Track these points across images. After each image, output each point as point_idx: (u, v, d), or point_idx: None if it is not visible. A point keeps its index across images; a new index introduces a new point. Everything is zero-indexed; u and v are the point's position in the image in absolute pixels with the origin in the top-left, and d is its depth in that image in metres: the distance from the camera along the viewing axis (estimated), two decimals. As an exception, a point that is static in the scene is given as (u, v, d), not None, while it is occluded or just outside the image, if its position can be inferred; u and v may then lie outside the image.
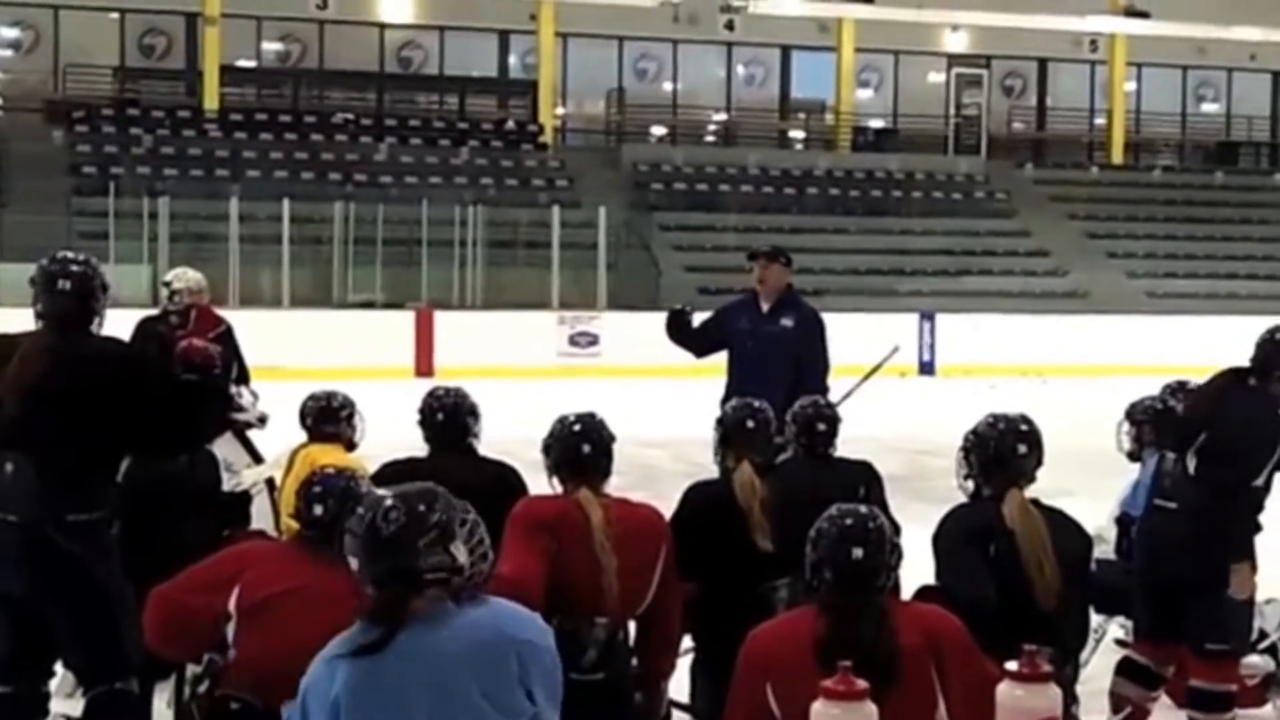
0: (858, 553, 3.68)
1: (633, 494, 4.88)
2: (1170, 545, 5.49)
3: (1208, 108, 35.36)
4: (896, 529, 3.94)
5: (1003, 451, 4.59)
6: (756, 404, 5.47)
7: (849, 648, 3.38)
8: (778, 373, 7.70)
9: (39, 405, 4.72)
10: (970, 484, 4.67)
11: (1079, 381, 19.96)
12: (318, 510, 4.28)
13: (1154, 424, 6.34)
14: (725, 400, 6.19)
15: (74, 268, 4.96)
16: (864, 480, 5.56)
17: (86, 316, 4.91)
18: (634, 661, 4.79)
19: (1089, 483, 7.42)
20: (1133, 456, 6.61)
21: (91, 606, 4.75)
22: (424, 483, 3.30)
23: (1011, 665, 3.24)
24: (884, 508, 4.96)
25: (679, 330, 8.58)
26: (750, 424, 5.35)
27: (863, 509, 3.85)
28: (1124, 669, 5.70)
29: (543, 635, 3.25)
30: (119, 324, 5.19)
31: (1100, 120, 33.70)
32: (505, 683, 3.15)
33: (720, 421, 5.45)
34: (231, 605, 4.13)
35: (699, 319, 8.68)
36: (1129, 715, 5.60)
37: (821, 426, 5.66)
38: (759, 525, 5.03)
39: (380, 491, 3.29)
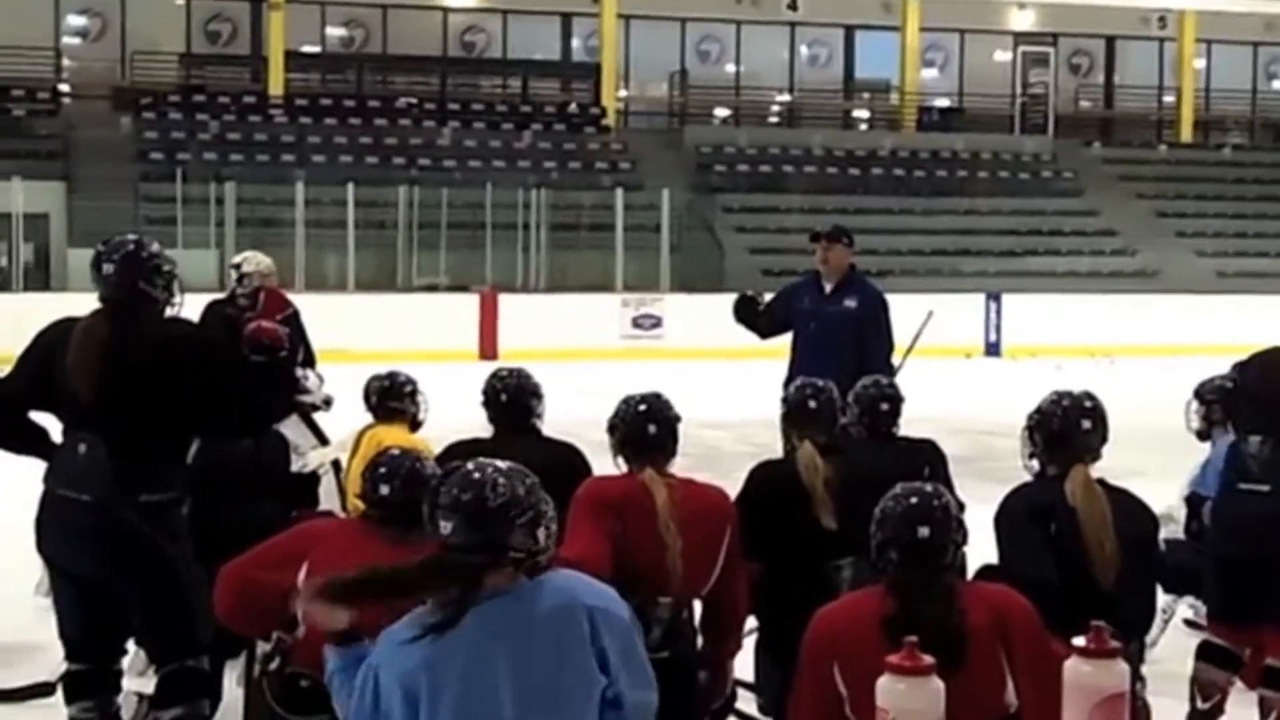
0: (924, 531, 3.67)
1: (696, 475, 4.88)
2: (1261, 524, 5.40)
3: (1278, 84, 34.89)
4: (961, 507, 3.92)
5: (1066, 427, 4.56)
6: (820, 384, 5.47)
7: (916, 626, 3.37)
8: (841, 353, 7.68)
9: (105, 391, 4.76)
10: (1035, 463, 4.65)
11: (1147, 362, 19.78)
12: (384, 490, 4.32)
13: (1224, 403, 6.28)
14: (788, 381, 6.18)
15: (120, 250, 4.96)
16: (929, 460, 5.54)
17: (141, 298, 4.91)
18: (699, 641, 4.80)
19: (1158, 462, 7.36)
20: (1202, 436, 6.55)
21: (163, 586, 4.80)
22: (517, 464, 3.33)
23: (1079, 641, 3.22)
24: (949, 487, 4.94)
25: (746, 314, 8.59)
26: (812, 404, 5.35)
27: (928, 487, 3.84)
28: (1204, 653, 5.61)
29: (616, 604, 3.28)
30: (187, 308, 5.22)
31: (1169, 98, 33.32)
32: (578, 643, 3.18)
33: (784, 402, 5.46)
34: (301, 581, 4.17)
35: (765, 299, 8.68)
36: (1216, 701, 5.53)
37: (885, 406, 5.67)
38: (823, 504, 5.03)
39: (486, 462, 3.31)
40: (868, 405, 5.67)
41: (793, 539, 5.01)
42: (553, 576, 3.24)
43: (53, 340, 4.91)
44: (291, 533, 4.41)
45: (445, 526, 3.21)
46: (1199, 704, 5.52)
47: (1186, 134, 32.65)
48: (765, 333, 8.64)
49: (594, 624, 3.19)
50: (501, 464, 3.29)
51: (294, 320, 9.01)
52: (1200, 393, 6.55)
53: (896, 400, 5.73)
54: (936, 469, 5.48)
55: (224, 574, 4.36)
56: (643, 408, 4.78)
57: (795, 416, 5.35)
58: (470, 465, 3.29)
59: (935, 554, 3.68)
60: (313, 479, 6.25)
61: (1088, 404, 4.62)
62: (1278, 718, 5.45)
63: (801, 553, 5.00)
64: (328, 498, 6.38)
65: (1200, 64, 33.32)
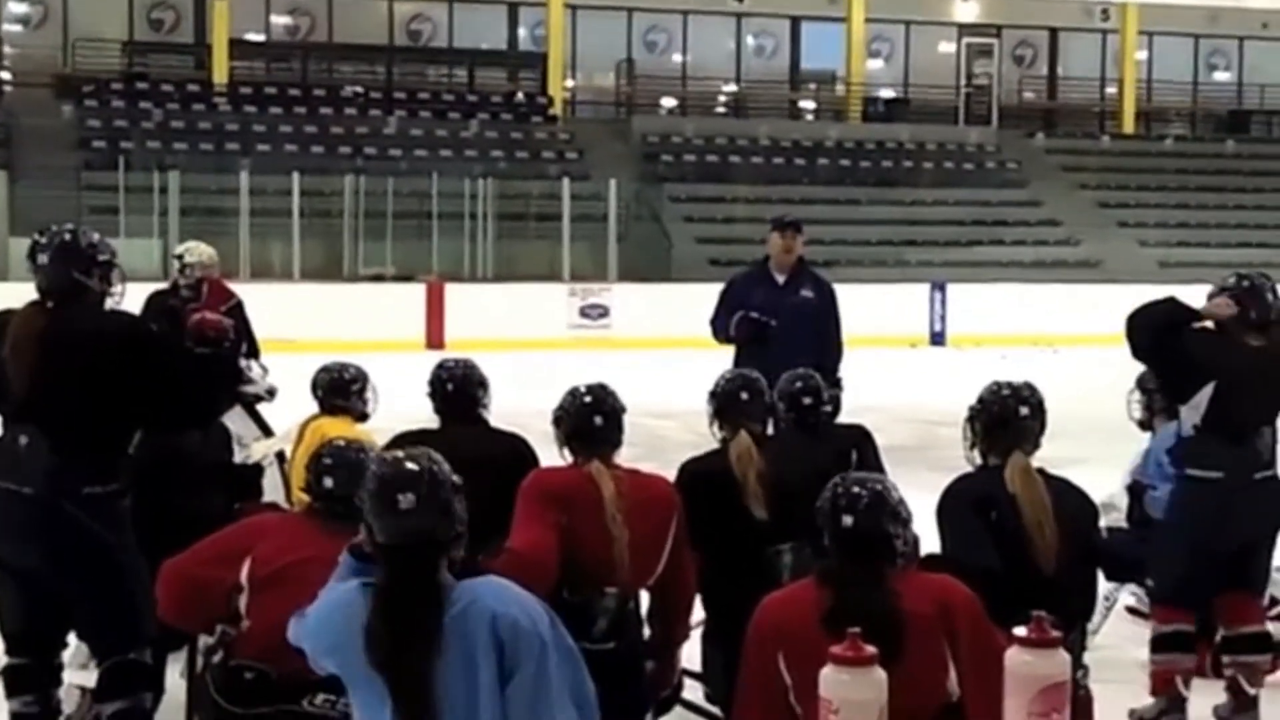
0: (847, 520, 3.70)
1: (643, 465, 4.89)
2: (1250, 509, 5.53)
3: (1219, 76, 35.20)
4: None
5: (1005, 414, 4.62)
6: (750, 374, 5.52)
7: (851, 615, 3.39)
8: (803, 344, 7.57)
9: (41, 381, 4.72)
10: (976, 454, 4.70)
11: (1090, 351, 19.90)
12: (328, 483, 4.30)
13: (1164, 393, 6.33)
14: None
15: (56, 240, 4.89)
16: (854, 443, 5.60)
17: (77, 289, 4.84)
18: (645, 631, 4.81)
19: (1100, 451, 7.42)
20: (1144, 425, 6.61)
21: (105, 579, 4.77)
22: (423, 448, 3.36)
23: (1020, 631, 3.25)
24: (878, 469, 5.03)
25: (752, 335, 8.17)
26: (745, 394, 5.37)
27: (862, 477, 3.87)
28: (1165, 644, 5.66)
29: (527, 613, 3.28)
30: (129, 298, 5.16)
31: (1111, 89, 33.55)
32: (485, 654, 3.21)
33: (714, 394, 5.46)
34: (244, 577, 4.16)
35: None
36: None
37: (808, 400, 5.69)
38: (754, 494, 5.06)
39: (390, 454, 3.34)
40: (791, 400, 5.71)
41: (728, 530, 5.03)
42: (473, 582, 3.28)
43: (-10, 332, 4.86)
44: (234, 528, 4.39)
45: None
46: (1159, 694, 5.59)
47: (1129, 125, 32.88)
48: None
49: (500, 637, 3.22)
50: (406, 452, 3.37)
51: (238, 311, 8.94)
52: (1142, 382, 6.60)
53: (819, 391, 5.76)
54: (864, 450, 5.55)
55: (165, 571, 4.34)
56: (588, 399, 4.78)
57: (727, 408, 5.35)
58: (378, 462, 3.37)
59: (867, 543, 3.69)
60: (256, 471, 6.22)
61: (1026, 393, 4.69)
62: (1257, 676, 5.56)
63: (739, 543, 5.02)
64: (272, 490, 6.35)
65: (1142, 56, 33.57)
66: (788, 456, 5.16)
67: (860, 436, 5.72)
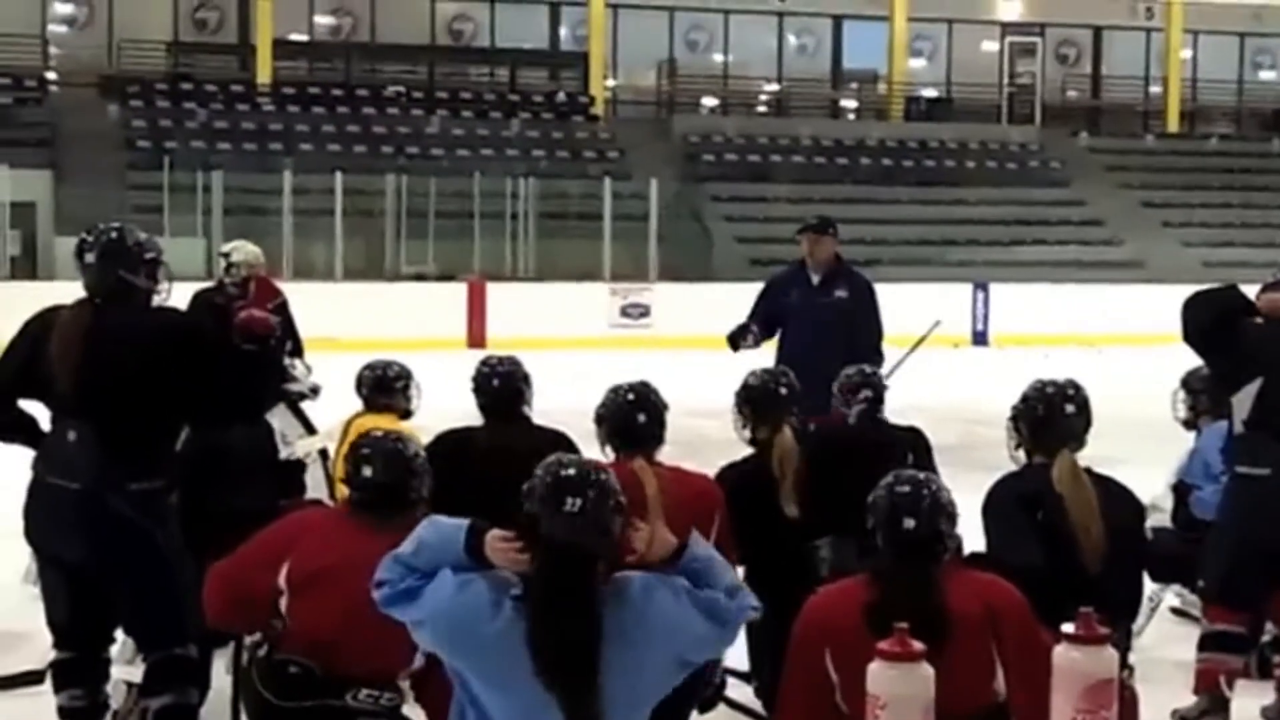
0: (909, 523, 3.69)
1: (684, 463, 4.90)
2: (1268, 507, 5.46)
3: (1265, 75, 34.94)
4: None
5: (1050, 412, 4.59)
6: (778, 369, 5.52)
7: (900, 613, 3.38)
8: (833, 344, 7.62)
9: (88, 377, 4.75)
10: (1020, 453, 4.67)
11: (1134, 351, 19.80)
12: (366, 472, 4.30)
13: (1210, 392, 6.29)
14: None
15: (103, 239, 4.92)
16: (910, 446, 5.57)
17: (125, 287, 4.88)
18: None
19: (1145, 451, 7.37)
20: (1188, 425, 6.57)
21: (151, 574, 4.79)
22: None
23: (1068, 627, 3.23)
24: (931, 470, 5.00)
25: (740, 343, 8.44)
26: (783, 389, 5.37)
27: (919, 477, 3.85)
28: (1213, 643, 5.61)
29: None
30: (174, 297, 5.20)
31: (1156, 88, 33.35)
32: None
33: (748, 395, 5.45)
34: (282, 580, 4.18)
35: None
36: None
37: (867, 393, 5.68)
38: (788, 493, 5.06)
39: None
40: (850, 392, 5.69)
41: (767, 530, 5.03)
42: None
43: (39, 329, 4.90)
44: (272, 530, 4.38)
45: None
46: (1202, 694, 5.54)
47: (1173, 124, 32.67)
48: (760, 341, 8.51)
49: None
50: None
51: (283, 309, 8.99)
52: (1187, 382, 6.57)
53: (879, 388, 5.75)
54: (919, 454, 5.53)
55: (210, 577, 4.36)
56: (630, 397, 4.79)
57: (769, 406, 5.35)
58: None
59: (922, 545, 3.69)
60: (299, 466, 6.24)
61: (1071, 391, 4.66)
62: None
63: (776, 541, 5.02)
64: (315, 487, 6.38)
65: (1187, 54, 33.34)
66: (836, 450, 5.15)
67: (916, 440, 5.69)
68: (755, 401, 5.39)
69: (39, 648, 5.34)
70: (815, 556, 5.00)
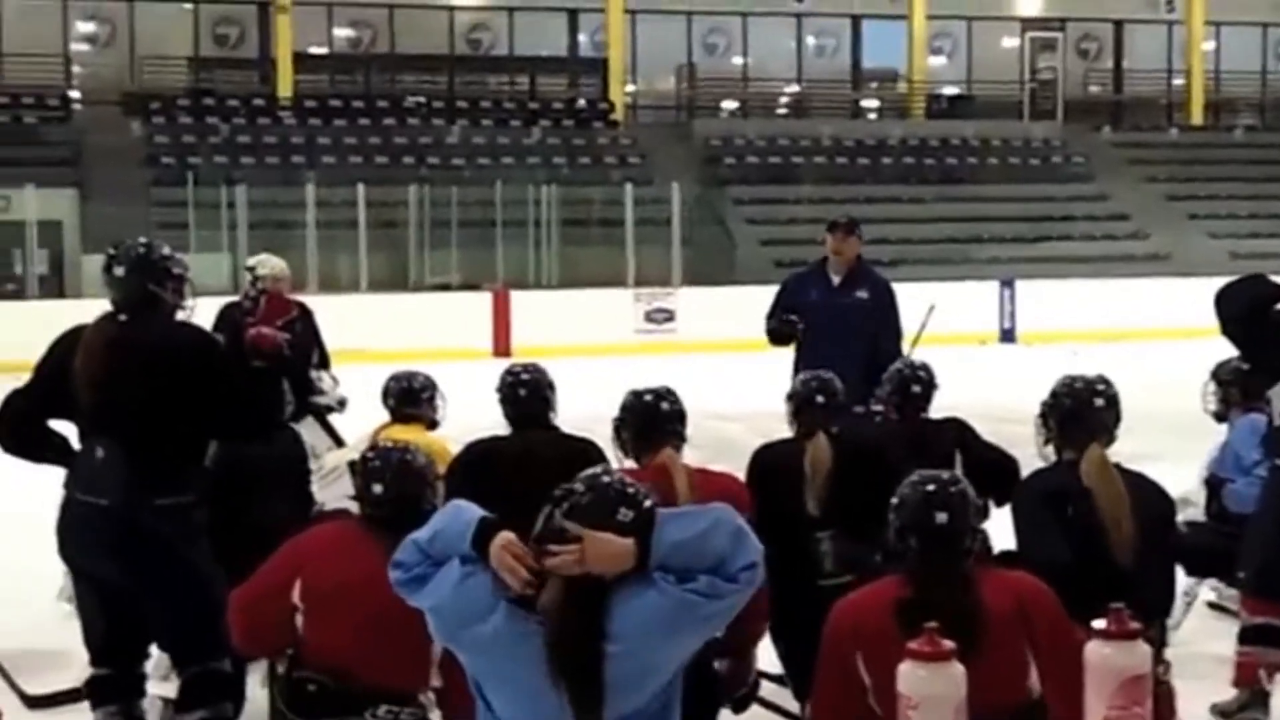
0: (941, 517, 3.67)
1: (710, 466, 4.89)
2: None
3: (1289, 65, 34.79)
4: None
5: (1079, 407, 4.57)
6: (825, 375, 5.51)
7: (931, 612, 3.37)
8: (854, 345, 7.61)
9: (114, 394, 4.77)
10: (1049, 449, 4.65)
11: (1163, 345, 19.72)
12: (377, 489, 4.28)
13: (1242, 384, 6.26)
14: (796, 373, 6.20)
15: (131, 253, 4.97)
16: (956, 440, 5.58)
17: (151, 301, 4.91)
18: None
19: (1175, 445, 7.34)
20: (1219, 418, 6.53)
21: (183, 589, 4.81)
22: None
23: (1099, 623, 3.21)
24: (987, 454, 5.00)
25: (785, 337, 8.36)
26: (820, 398, 5.38)
27: (944, 474, 3.84)
28: (1252, 636, 5.56)
29: None
30: (201, 311, 5.22)
31: (1179, 81, 33.21)
32: None
33: (791, 395, 5.48)
34: (296, 598, 4.17)
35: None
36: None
37: (917, 389, 5.69)
38: (813, 492, 5.08)
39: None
40: (900, 386, 5.72)
41: (784, 519, 5.03)
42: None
43: (65, 347, 4.93)
44: (283, 552, 4.33)
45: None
46: (1242, 687, 5.49)
47: (1197, 117, 32.54)
48: (799, 330, 8.47)
49: None
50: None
51: (303, 322, 8.96)
52: (1217, 375, 6.53)
53: (929, 384, 5.76)
54: (968, 444, 5.54)
55: (231, 606, 4.36)
56: (649, 396, 4.83)
57: (805, 410, 5.38)
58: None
59: (952, 540, 3.67)
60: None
61: (1100, 385, 4.64)
62: None
63: (790, 532, 5.02)
64: (344, 500, 6.37)
65: (1209, 46, 33.20)
66: (885, 447, 5.20)
67: (959, 430, 5.70)
68: (795, 404, 5.43)
69: (75, 664, 5.36)
70: (816, 548, 5.04)
